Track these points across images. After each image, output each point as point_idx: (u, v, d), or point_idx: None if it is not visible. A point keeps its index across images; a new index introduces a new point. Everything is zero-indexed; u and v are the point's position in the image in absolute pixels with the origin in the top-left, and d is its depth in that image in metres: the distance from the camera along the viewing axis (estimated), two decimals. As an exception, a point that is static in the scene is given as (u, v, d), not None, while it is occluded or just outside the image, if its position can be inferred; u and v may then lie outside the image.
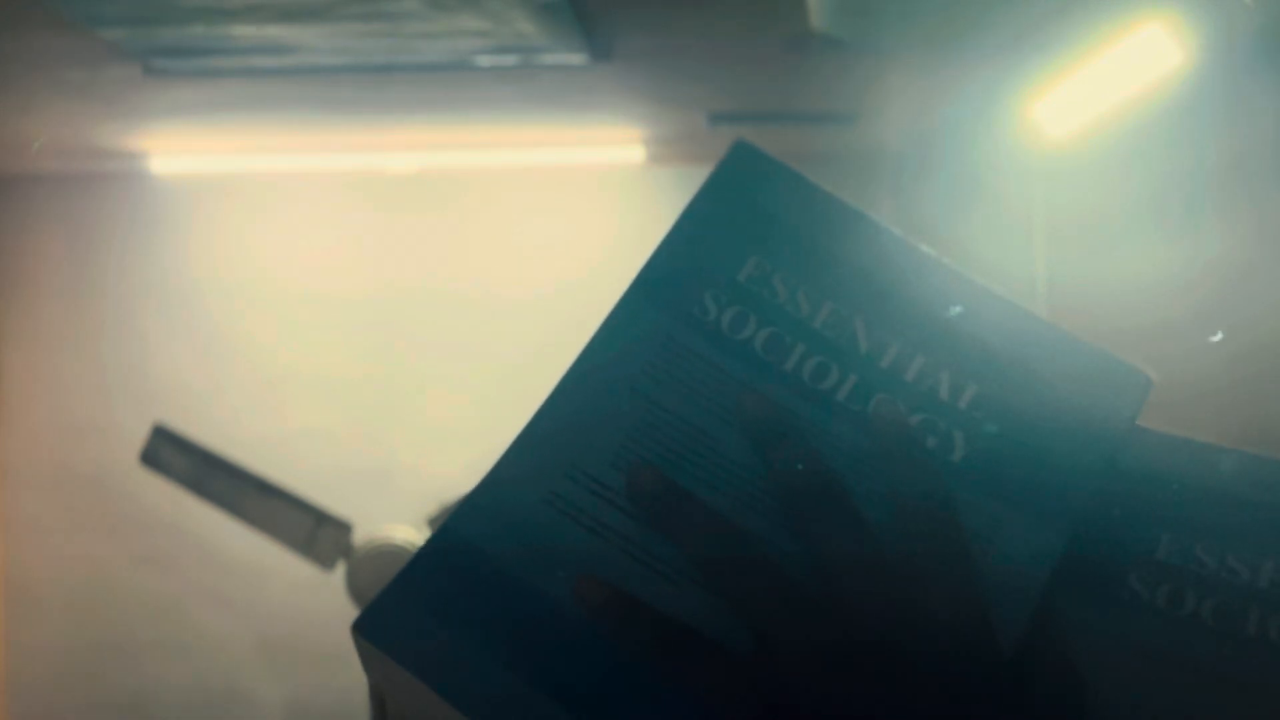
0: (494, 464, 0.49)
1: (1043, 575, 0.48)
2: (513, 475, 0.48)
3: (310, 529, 2.85)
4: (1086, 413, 0.51)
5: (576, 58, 2.89)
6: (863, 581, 0.46)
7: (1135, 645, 0.50)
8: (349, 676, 3.70)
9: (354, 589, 2.85)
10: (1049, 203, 3.75)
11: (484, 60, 2.91)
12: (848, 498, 0.48)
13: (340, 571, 2.88)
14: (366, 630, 0.45)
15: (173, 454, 2.88)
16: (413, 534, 2.90)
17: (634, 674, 0.45)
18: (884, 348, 0.52)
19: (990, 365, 0.51)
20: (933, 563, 0.46)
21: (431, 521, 2.85)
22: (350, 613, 2.88)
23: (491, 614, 0.46)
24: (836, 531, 0.47)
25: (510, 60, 2.91)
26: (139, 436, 2.93)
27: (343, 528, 2.87)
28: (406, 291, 4.04)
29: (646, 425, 0.49)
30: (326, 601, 3.47)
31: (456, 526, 0.47)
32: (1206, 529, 0.51)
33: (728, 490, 0.48)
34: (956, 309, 0.52)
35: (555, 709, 0.44)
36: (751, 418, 0.50)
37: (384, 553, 2.86)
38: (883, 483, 0.48)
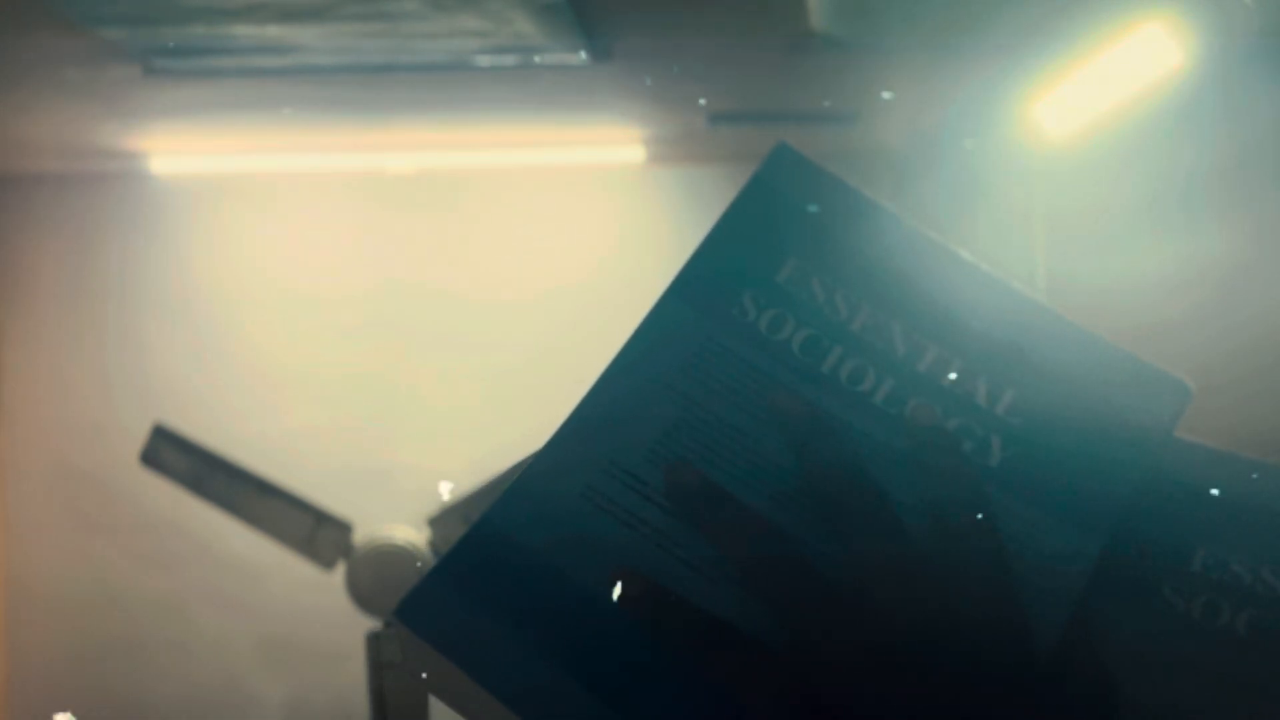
0: (533, 457, 0.49)
1: (1078, 582, 0.48)
2: (550, 469, 0.49)
3: (310, 528, 2.85)
4: (1124, 421, 0.51)
5: (576, 58, 2.90)
6: (898, 584, 0.46)
7: (1169, 656, 0.50)
8: (349, 676, 3.70)
9: (354, 588, 2.85)
10: (1049, 203, 3.75)
11: (484, 60, 2.91)
12: (883, 500, 0.48)
13: (340, 571, 2.88)
14: (406, 617, 0.46)
15: (173, 453, 2.88)
16: (413, 534, 2.90)
17: (667, 667, 0.45)
18: (921, 351, 0.52)
19: (1028, 371, 0.52)
20: (967, 567, 0.47)
21: (432, 521, 2.85)
22: (350, 612, 2.89)
23: (528, 604, 0.46)
24: (872, 534, 0.47)
25: (510, 60, 2.91)
26: (139, 436, 2.93)
27: (343, 527, 2.88)
28: (406, 291, 4.04)
29: (683, 423, 0.50)
30: (326, 601, 3.47)
31: (494, 517, 0.48)
32: (1243, 542, 0.51)
33: (763, 489, 0.49)
34: (994, 314, 0.53)
35: (589, 698, 0.45)
36: (788, 419, 0.50)
37: (384, 552, 2.86)
38: (919, 487, 0.49)
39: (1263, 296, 2.97)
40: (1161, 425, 0.51)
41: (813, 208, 0.55)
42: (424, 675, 0.47)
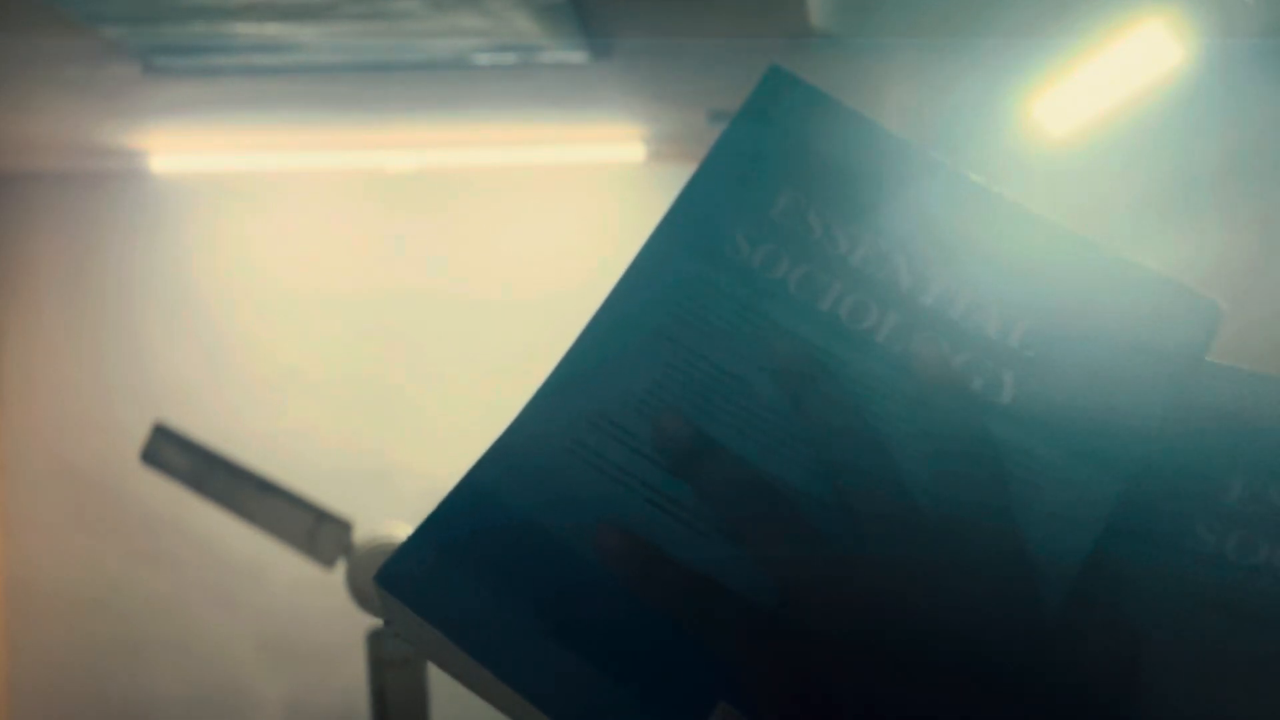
0: (517, 412, 0.47)
1: (1096, 525, 0.45)
2: (535, 423, 0.47)
3: (310, 527, 2.85)
4: (1149, 347, 0.47)
5: (577, 55, 2.90)
6: (897, 536, 0.43)
7: (1201, 598, 0.46)
8: (349, 675, 3.71)
9: (354, 587, 2.85)
10: (1049, 202, 3.75)
11: (484, 58, 2.91)
12: (884, 447, 0.45)
13: (341, 570, 2.88)
14: (387, 581, 0.45)
15: (173, 452, 2.88)
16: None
17: (656, 626, 0.43)
18: (927, 283, 0.48)
19: (1043, 298, 0.48)
20: (972, 517, 0.44)
21: (432, 520, 2.85)
22: (351, 611, 2.89)
23: (513, 565, 0.45)
24: (871, 483, 0.44)
25: (510, 58, 2.91)
26: (139, 435, 2.93)
27: (343, 526, 2.87)
28: (406, 290, 4.04)
29: (674, 370, 0.47)
30: (327, 600, 3.47)
31: (477, 476, 0.46)
32: None
33: (758, 438, 0.46)
34: (1006, 239, 0.49)
35: (576, 660, 0.43)
36: (784, 362, 0.47)
37: (384, 551, 2.86)
38: (923, 429, 0.46)
39: (1265, 297, 2.97)
40: (1191, 349, 0.47)
41: (807, 134, 0.51)
42: (406, 639, 0.46)
